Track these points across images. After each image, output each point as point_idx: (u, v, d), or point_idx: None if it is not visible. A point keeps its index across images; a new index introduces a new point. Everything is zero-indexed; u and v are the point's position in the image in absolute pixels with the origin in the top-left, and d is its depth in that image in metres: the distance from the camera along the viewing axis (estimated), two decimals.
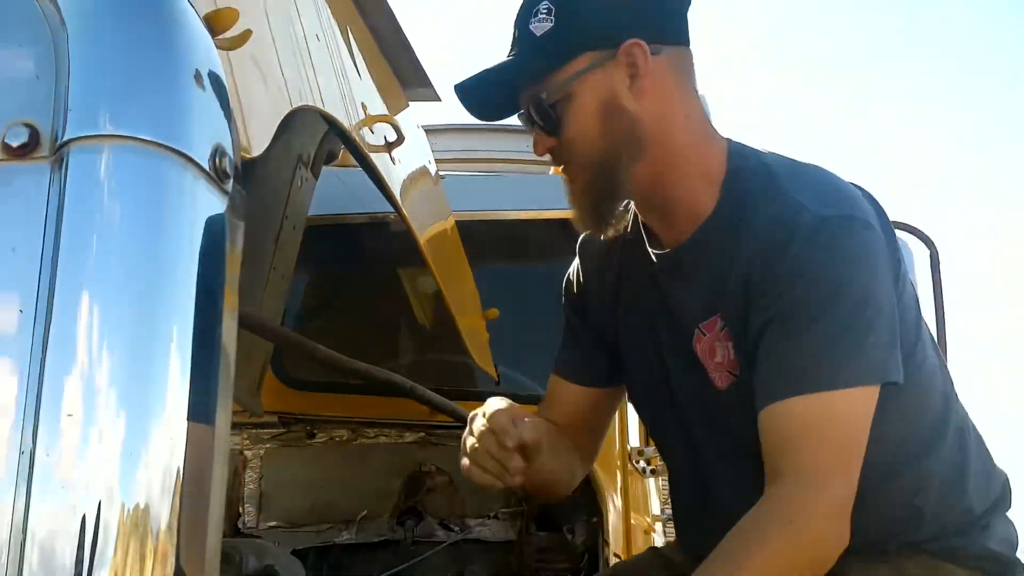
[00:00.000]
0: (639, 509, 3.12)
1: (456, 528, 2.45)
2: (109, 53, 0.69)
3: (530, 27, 1.55)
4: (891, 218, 1.75)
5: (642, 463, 3.02)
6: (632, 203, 1.63)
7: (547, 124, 1.56)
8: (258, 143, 1.12)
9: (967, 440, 1.62)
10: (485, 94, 1.60)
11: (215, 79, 0.74)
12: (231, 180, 0.74)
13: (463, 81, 1.61)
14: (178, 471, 0.67)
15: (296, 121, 1.93)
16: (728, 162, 1.55)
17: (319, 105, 1.56)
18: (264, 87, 1.15)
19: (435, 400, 2.28)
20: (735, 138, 1.63)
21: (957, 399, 1.65)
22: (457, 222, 2.63)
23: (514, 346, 2.73)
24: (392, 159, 2.08)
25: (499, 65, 1.59)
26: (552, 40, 1.53)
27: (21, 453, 0.62)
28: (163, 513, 0.66)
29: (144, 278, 0.67)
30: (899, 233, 2.87)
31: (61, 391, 0.63)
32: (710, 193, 1.54)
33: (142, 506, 0.64)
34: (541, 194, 3.06)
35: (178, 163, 0.68)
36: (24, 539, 0.61)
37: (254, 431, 2.54)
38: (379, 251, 2.82)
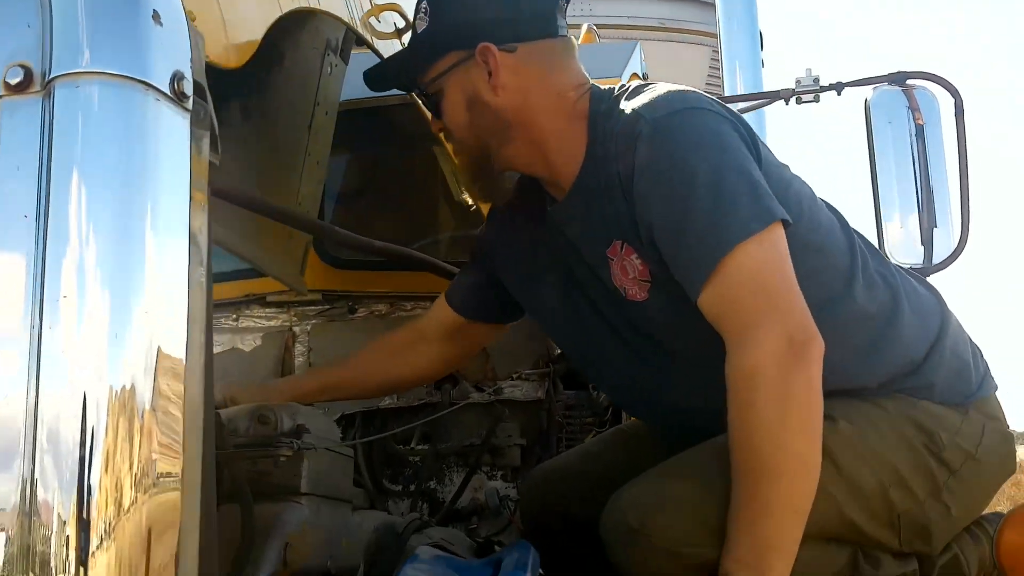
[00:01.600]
0: None
1: (489, 390, 2.66)
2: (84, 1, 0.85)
3: (415, 22, 1.82)
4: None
5: None
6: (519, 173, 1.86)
7: (431, 111, 1.84)
8: (243, 52, 1.28)
9: (889, 290, 1.75)
10: (382, 79, 1.91)
11: (173, 15, 0.90)
12: (191, 99, 0.89)
13: (371, 68, 1.93)
14: (158, 352, 0.85)
15: (319, 9, 2.06)
16: (589, 117, 1.75)
17: (314, 3, 1.70)
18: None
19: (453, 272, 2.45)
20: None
21: (873, 254, 1.79)
22: None
23: None
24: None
25: (394, 56, 1.90)
26: (426, 39, 1.80)
27: (32, 328, 0.80)
28: (146, 393, 0.84)
29: (118, 185, 0.84)
30: (924, 83, 2.93)
31: (58, 277, 0.81)
32: (579, 146, 1.74)
33: (128, 385, 0.83)
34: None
35: (140, 90, 0.85)
36: (36, 416, 0.80)
37: (300, 308, 2.75)
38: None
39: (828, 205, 1.85)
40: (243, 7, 1.31)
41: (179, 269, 0.88)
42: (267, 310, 2.77)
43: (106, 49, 0.84)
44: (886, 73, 2.92)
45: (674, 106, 1.63)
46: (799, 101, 3.04)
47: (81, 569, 0.80)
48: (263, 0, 1.40)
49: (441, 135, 1.91)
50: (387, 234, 2.84)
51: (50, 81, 0.83)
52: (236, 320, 2.78)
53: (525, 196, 1.91)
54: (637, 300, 1.72)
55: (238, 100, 2.44)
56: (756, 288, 1.52)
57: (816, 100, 3.03)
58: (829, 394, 1.55)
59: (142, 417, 0.84)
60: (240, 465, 1.66)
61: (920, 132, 2.90)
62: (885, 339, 1.70)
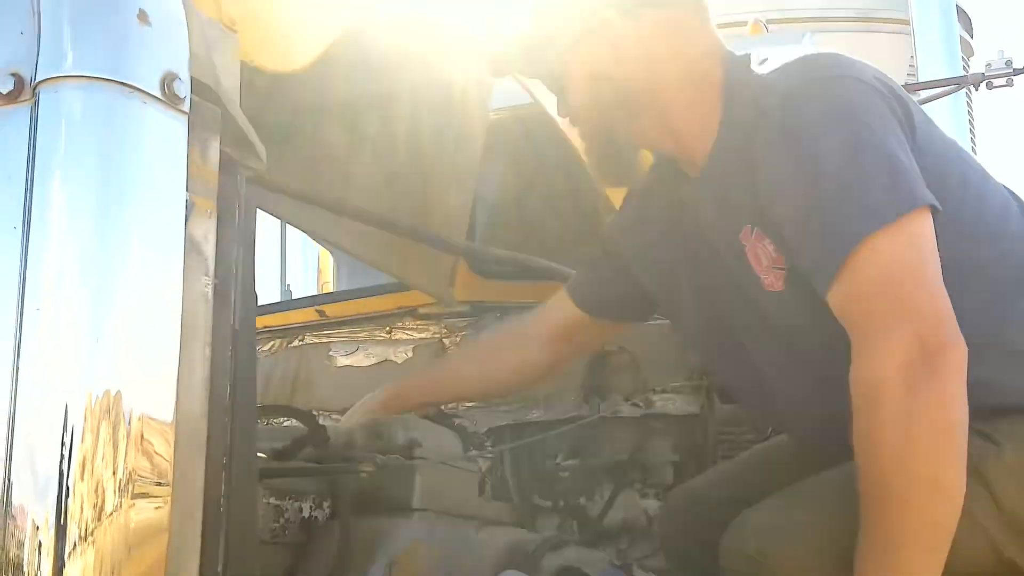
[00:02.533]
0: None
1: (640, 404, 2.54)
2: (68, 3, 0.83)
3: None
4: None
5: None
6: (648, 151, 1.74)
7: (555, 92, 1.69)
8: (302, 57, 1.25)
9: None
10: (505, 64, 1.77)
11: (166, 14, 0.86)
12: (186, 100, 0.86)
13: (490, 52, 1.78)
14: (148, 360, 0.81)
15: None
16: (723, 87, 1.57)
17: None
18: (312, 2, 1.27)
19: None
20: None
21: None
22: None
23: None
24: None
25: (512, 37, 1.71)
26: (555, 17, 1.63)
27: (14, 332, 0.79)
28: (134, 401, 0.80)
29: (99, 191, 0.81)
30: None
31: (39, 288, 0.79)
32: (712, 119, 1.57)
33: (112, 389, 0.79)
34: None
35: (123, 92, 0.82)
36: (13, 416, 0.78)
37: (450, 320, 2.75)
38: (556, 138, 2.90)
39: (1010, 192, 1.61)
40: (307, 11, 1.28)
41: (172, 277, 0.84)
42: (418, 322, 2.77)
43: (87, 52, 0.82)
44: None
45: (813, 72, 1.44)
46: (990, 86, 2.76)
47: (57, 573, 0.77)
48: (335, 5, 1.37)
49: (567, 119, 1.74)
50: (541, 244, 2.79)
51: (35, 87, 0.82)
52: (389, 332, 2.80)
53: (660, 180, 1.76)
54: (774, 291, 1.53)
55: (379, 110, 2.46)
56: (885, 287, 1.32)
57: (1010, 84, 2.74)
58: (997, 412, 1.37)
59: (129, 423, 0.80)
60: (348, 479, 1.64)
61: None
62: None
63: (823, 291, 1.38)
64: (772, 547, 1.44)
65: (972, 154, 1.57)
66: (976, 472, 1.32)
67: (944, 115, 3.43)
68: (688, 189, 1.67)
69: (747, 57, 1.60)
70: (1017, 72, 2.71)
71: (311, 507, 1.67)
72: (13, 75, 0.83)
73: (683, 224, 1.71)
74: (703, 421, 2.52)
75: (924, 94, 3.11)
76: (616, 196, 2.40)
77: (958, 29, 3.90)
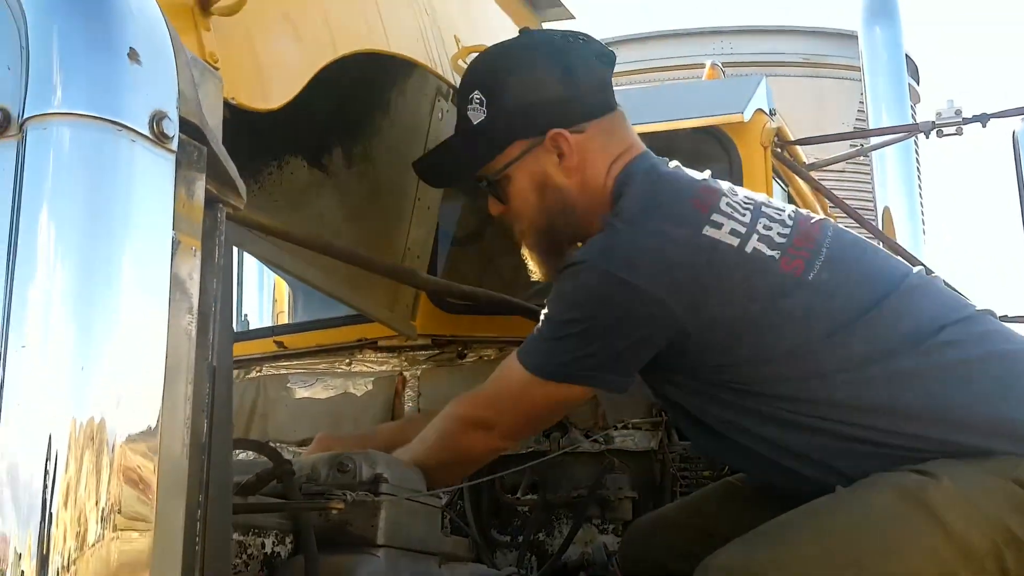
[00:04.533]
0: None
1: (600, 439, 2.56)
2: (57, 40, 0.84)
3: (467, 113, 1.82)
4: None
5: None
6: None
7: (496, 195, 1.85)
8: (281, 94, 1.26)
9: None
10: (439, 174, 1.99)
11: (156, 53, 0.87)
12: (174, 140, 0.86)
13: (421, 159, 2.01)
14: (127, 392, 0.81)
15: (431, 55, 2.05)
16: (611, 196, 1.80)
17: (384, 47, 1.68)
18: (293, 40, 1.28)
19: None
20: None
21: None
22: None
23: None
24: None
25: (446, 146, 1.93)
26: (486, 131, 1.80)
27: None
28: (116, 432, 0.80)
29: (85, 228, 0.81)
30: None
31: (24, 322, 0.79)
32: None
33: (96, 421, 0.79)
34: (687, 102, 3.07)
35: (111, 131, 0.82)
36: None
37: (411, 353, 2.74)
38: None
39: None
40: (288, 50, 1.29)
41: (157, 314, 0.84)
42: (379, 355, 2.77)
43: (77, 89, 0.82)
44: None
45: (591, 255, 1.70)
46: (940, 134, 2.84)
47: None
48: (315, 43, 1.39)
49: (502, 217, 1.92)
50: (502, 279, 2.81)
51: (23, 123, 0.82)
52: (349, 364, 2.79)
53: None
54: None
55: (342, 147, 2.47)
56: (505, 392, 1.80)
57: (959, 133, 2.82)
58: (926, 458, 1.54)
59: (112, 452, 0.80)
60: (312, 515, 1.63)
61: None
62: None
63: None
64: None
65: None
66: (922, 505, 1.41)
67: (893, 162, 3.52)
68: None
69: (636, 181, 1.80)
70: (967, 121, 2.78)
71: (273, 543, 1.66)
72: (2, 110, 0.83)
73: None
74: (661, 457, 2.53)
75: (874, 140, 3.19)
76: None
77: (906, 77, 4.01)
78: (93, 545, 0.79)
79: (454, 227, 3.00)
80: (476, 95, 1.80)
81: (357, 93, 2.33)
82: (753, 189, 2.70)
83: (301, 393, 2.81)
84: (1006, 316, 2.56)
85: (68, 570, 0.77)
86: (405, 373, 2.74)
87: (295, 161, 2.32)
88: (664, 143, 2.92)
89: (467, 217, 3.08)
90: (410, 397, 2.72)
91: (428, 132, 2.58)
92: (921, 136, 2.89)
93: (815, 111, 5.13)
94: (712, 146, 2.82)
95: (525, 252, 1.94)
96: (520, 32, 2.01)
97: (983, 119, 2.79)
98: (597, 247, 1.71)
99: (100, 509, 0.79)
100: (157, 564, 0.82)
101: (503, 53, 1.87)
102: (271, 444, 2.16)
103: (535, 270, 1.95)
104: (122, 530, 0.80)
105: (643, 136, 3.00)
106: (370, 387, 2.75)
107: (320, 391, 2.80)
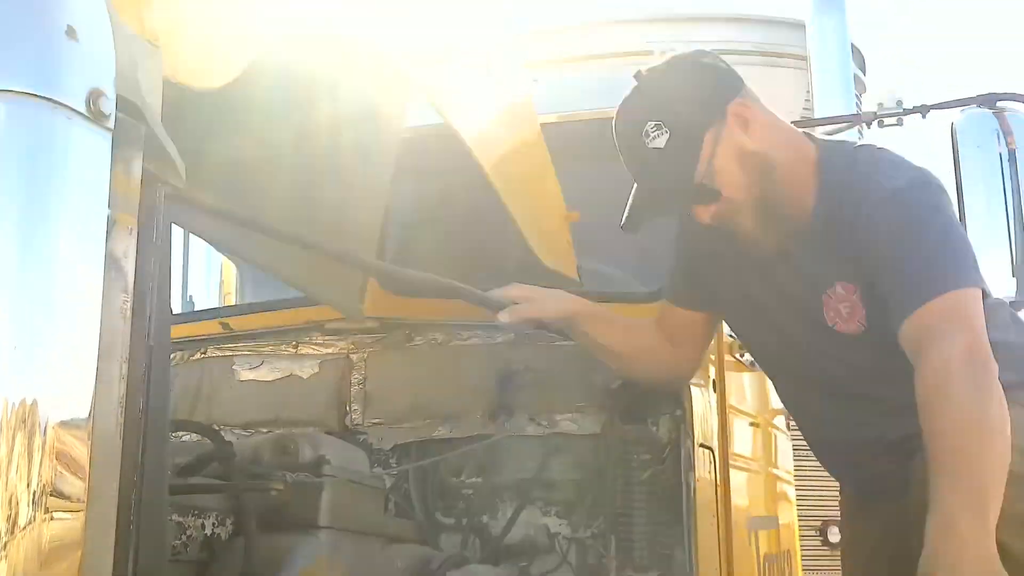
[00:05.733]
0: (747, 404, 3.15)
1: (545, 423, 2.58)
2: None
3: (649, 146, 1.94)
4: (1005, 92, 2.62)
5: (747, 356, 3.02)
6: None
7: (708, 200, 1.96)
8: (224, 74, 1.25)
9: None
10: (656, 206, 2.07)
11: (94, 32, 0.86)
12: (111, 117, 0.86)
13: (627, 218, 2.13)
14: (60, 371, 0.81)
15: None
16: (817, 155, 1.97)
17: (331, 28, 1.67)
18: (236, 19, 1.27)
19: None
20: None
21: None
22: (550, 124, 2.72)
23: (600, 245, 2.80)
24: (447, 74, 2.18)
25: (646, 182, 2.03)
26: (679, 143, 1.92)
27: None
28: (49, 412, 0.80)
29: (21, 205, 0.81)
30: (1017, 105, 2.76)
31: None
32: (809, 184, 1.96)
33: (28, 402, 0.79)
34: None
35: (47, 107, 0.82)
36: None
37: (358, 336, 2.73)
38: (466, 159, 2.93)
39: None
40: (231, 28, 1.28)
41: (92, 292, 0.84)
42: (326, 337, 2.76)
43: (13, 66, 0.81)
44: (975, 95, 2.75)
45: (913, 177, 1.91)
46: (881, 124, 2.89)
47: None
48: (259, 22, 1.38)
49: (716, 217, 2.00)
50: (451, 263, 2.80)
51: None
52: (295, 347, 2.78)
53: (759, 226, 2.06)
54: (847, 332, 1.97)
55: (291, 129, 2.45)
56: (952, 321, 1.79)
57: (899, 123, 2.88)
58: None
59: (44, 434, 0.80)
60: (253, 496, 1.64)
61: (1012, 157, 2.71)
62: None
63: (903, 316, 1.82)
64: None
65: None
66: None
67: None
68: (786, 236, 2.01)
69: (841, 142, 2.15)
70: (907, 112, 2.84)
71: (214, 524, 1.66)
72: None
73: (775, 264, 2.05)
74: (605, 441, 2.56)
75: (820, 130, 3.24)
76: (525, 223, 2.45)
77: (853, 67, 4.06)
78: (24, 528, 0.78)
79: (404, 210, 3.00)
80: (649, 126, 1.93)
81: (304, 72, 2.31)
82: None
83: (246, 375, 2.79)
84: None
85: (1, 552, 0.77)
86: (352, 356, 2.73)
87: (243, 141, 2.30)
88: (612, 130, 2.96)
89: (417, 201, 3.08)
90: (357, 380, 2.71)
91: (379, 112, 2.57)
92: (866, 127, 2.94)
93: (768, 100, 5.17)
94: None
95: (742, 232, 2.04)
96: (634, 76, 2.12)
97: (923, 110, 2.85)
98: (891, 168, 1.92)
99: (32, 491, 0.79)
100: (90, 545, 0.82)
101: (641, 89, 2.01)
102: (214, 427, 2.16)
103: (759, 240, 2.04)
104: (54, 511, 0.80)
105: (598, 123, 3.05)
106: (317, 370, 2.74)
107: (266, 373, 2.78)
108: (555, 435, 2.56)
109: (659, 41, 4.26)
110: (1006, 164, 2.69)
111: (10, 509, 0.78)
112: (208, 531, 1.64)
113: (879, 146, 2.02)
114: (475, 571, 2.19)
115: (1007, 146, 2.70)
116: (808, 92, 4.11)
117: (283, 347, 2.78)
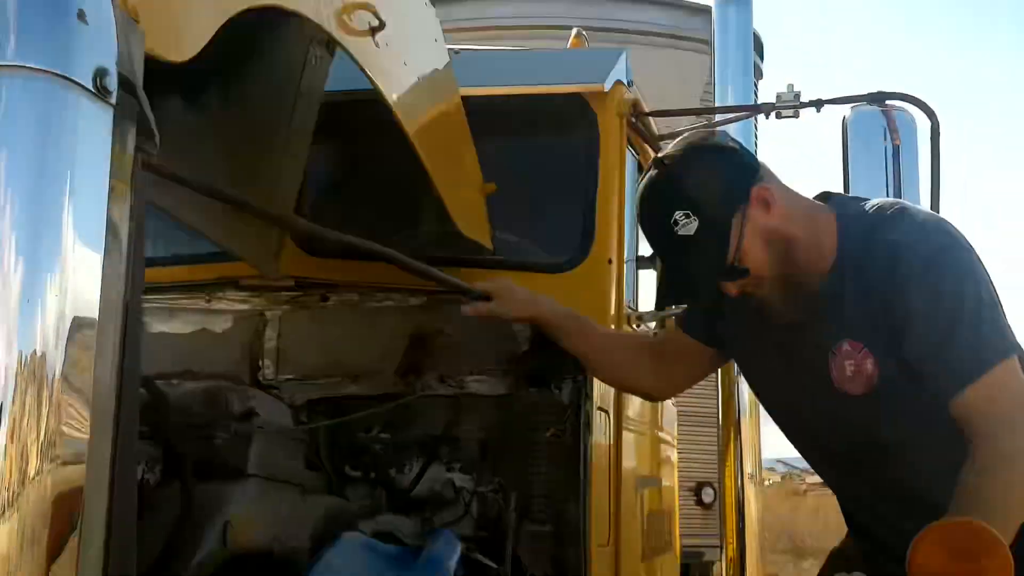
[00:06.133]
0: None
1: (454, 383, 2.70)
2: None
3: (679, 234, 2.03)
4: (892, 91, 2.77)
5: (643, 326, 3.19)
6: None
7: (736, 277, 2.07)
8: (193, 46, 1.32)
9: None
10: (692, 293, 2.22)
11: (101, 14, 0.94)
12: (114, 94, 0.94)
13: (658, 299, 2.57)
14: (70, 325, 0.89)
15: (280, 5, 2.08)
16: (837, 223, 2.07)
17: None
18: None
19: (419, 268, 2.49)
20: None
21: None
22: (469, 97, 2.81)
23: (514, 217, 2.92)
24: (376, 43, 2.24)
25: (678, 273, 2.15)
26: (709, 229, 2.02)
27: None
28: (56, 365, 0.88)
29: (34, 173, 0.88)
30: (903, 104, 2.97)
31: None
32: (829, 248, 2.05)
33: (38, 354, 0.87)
34: (552, 68, 3.20)
35: (60, 84, 0.89)
36: None
37: (273, 294, 2.79)
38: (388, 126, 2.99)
39: None
40: (199, 1, 1.34)
41: (94, 254, 0.92)
42: (240, 293, 2.80)
43: (29, 44, 0.88)
44: (866, 93, 2.95)
45: (940, 243, 1.98)
46: (779, 116, 3.07)
47: None
48: None
49: (742, 289, 2.10)
50: (369, 226, 2.87)
51: None
52: (208, 302, 2.82)
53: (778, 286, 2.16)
54: (849, 394, 2.05)
55: (217, 90, 2.48)
56: (1007, 396, 1.90)
57: (795, 116, 3.06)
58: None
59: (51, 386, 0.88)
60: (186, 444, 1.72)
61: (896, 153, 2.93)
62: None
63: (955, 392, 1.90)
64: None
65: None
66: None
67: (736, 137, 3.76)
68: (803, 296, 2.09)
69: (857, 205, 2.11)
70: (803, 105, 3.02)
71: (143, 471, 1.73)
72: None
73: (777, 318, 2.16)
74: (511, 402, 2.69)
75: (719, 118, 3.40)
76: (446, 191, 2.54)
77: (752, 55, 4.24)
78: (33, 479, 0.86)
79: (323, 171, 3.05)
80: (677, 215, 2.01)
81: (232, 36, 2.35)
82: (608, 157, 2.90)
83: (159, 328, 2.81)
84: None
85: (12, 506, 0.84)
86: (266, 313, 2.78)
87: (172, 103, 2.33)
88: (527, 107, 3.07)
89: (338, 164, 3.14)
90: (270, 337, 2.77)
91: (301, 77, 2.62)
92: (763, 118, 3.12)
93: (678, 83, 5.35)
94: (572, 113, 2.98)
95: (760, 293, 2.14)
96: (652, 162, 2.21)
97: (818, 104, 3.03)
98: (917, 233, 1.98)
99: (40, 443, 0.87)
100: (92, 493, 0.91)
101: (666, 177, 2.10)
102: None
103: (783, 310, 2.15)
104: (60, 464, 0.88)
105: (507, 99, 3.15)
106: (229, 325, 2.79)
107: (179, 326, 2.81)
108: (464, 395, 2.68)
109: (578, 19, 4.38)
110: (890, 159, 2.91)
111: (23, 461, 0.85)
112: (137, 476, 1.72)
113: (899, 205, 2.10)
114: (383, 521, 2.30)
115: (892, 142, 2.92)
116: (710, 77, 4.28)
117: (196, 301, 2.81)
